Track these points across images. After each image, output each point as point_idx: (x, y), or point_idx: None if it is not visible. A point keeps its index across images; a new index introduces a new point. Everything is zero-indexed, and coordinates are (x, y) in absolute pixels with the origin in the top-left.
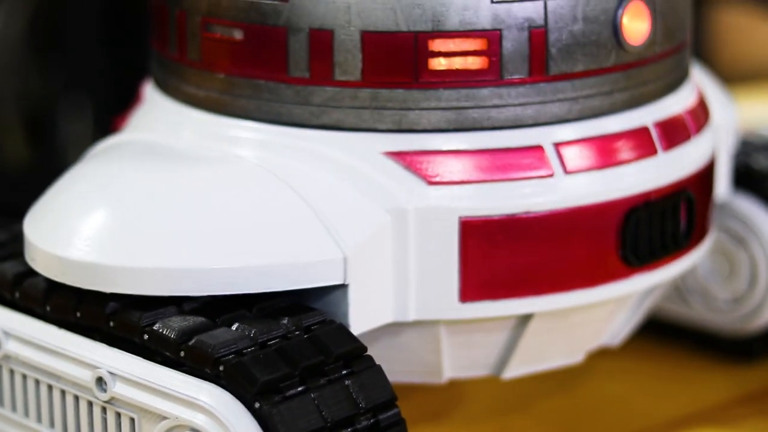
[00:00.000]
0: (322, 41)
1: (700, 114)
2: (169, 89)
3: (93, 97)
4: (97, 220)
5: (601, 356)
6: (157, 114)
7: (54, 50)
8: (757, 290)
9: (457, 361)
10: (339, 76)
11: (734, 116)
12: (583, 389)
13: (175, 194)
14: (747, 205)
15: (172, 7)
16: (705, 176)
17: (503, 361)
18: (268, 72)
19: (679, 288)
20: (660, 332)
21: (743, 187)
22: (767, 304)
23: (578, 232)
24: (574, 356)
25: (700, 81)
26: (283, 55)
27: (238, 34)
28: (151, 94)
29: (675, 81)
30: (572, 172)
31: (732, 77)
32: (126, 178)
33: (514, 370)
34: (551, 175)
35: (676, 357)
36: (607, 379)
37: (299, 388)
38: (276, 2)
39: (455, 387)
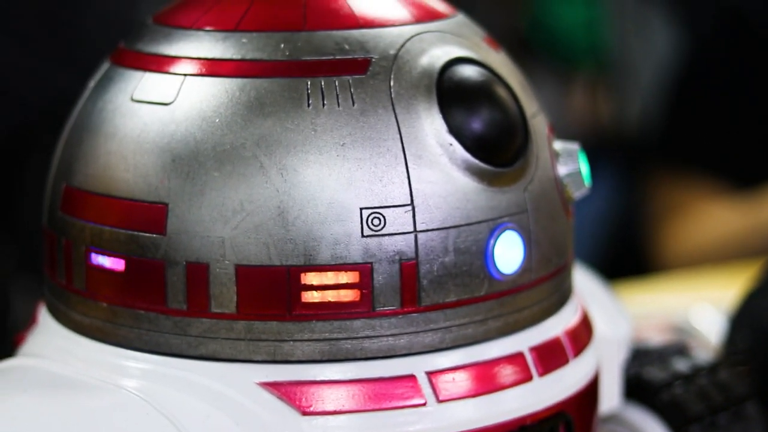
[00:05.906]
0: (198, 274)
1: (582, 334)
2: (58, 314)
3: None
4: None
5: None
6: (46, 339)
7: (6, 233)
8: None
9: None
10: (215, 308)
11: (626, 329)
12: None
13: (49, 426)
14: (639, 417)
15: (59, 235)
16: (586, 396)
17: None
18: (148, 303)
19: None
20: None
21: (635, 398)
22: None
23: None
24: None
25: (589, 294)
26: (162, 287)
27: (119, 266)
28: (43, 317)
29: (553, 304)
30: (445, 401)
31: (676, 262)
32: (3, 408)
33: None
34: (424, 404)
35: None
36: None
37: None
38: (154, 235)
39: None
